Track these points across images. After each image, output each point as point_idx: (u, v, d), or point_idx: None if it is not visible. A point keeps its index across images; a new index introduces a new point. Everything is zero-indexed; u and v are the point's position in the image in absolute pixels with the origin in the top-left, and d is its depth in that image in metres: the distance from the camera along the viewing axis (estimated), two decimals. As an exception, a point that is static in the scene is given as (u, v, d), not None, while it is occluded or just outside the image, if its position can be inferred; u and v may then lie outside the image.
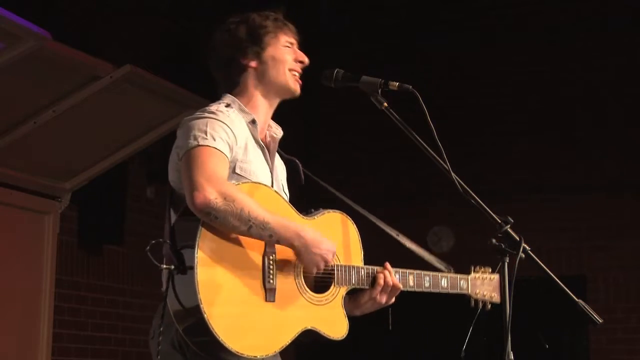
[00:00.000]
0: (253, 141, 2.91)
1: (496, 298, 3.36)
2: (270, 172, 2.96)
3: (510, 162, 7.82)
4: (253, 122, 2.92)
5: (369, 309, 3.06)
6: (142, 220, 7.05)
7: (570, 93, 7.95)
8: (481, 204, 2.97)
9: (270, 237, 2.72)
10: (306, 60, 2.99)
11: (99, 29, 6.45)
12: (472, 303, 3.34)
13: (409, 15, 8.19)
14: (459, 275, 3.29)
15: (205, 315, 2.58)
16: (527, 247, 2.88)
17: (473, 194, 2.94)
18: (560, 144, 7.88)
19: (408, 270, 3.12)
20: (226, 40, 2.96)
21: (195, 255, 2.62)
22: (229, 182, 2.71)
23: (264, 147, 2.96)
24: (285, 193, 3.03)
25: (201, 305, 2.59)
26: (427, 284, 3.17)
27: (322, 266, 2.82)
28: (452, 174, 2.89)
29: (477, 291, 3.34)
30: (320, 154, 8.01)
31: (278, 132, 3.05)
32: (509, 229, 2.92)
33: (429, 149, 2.91)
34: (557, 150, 7.88)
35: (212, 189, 2.63)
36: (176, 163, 2.81)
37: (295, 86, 2.98)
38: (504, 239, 2.90)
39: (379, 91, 2.95)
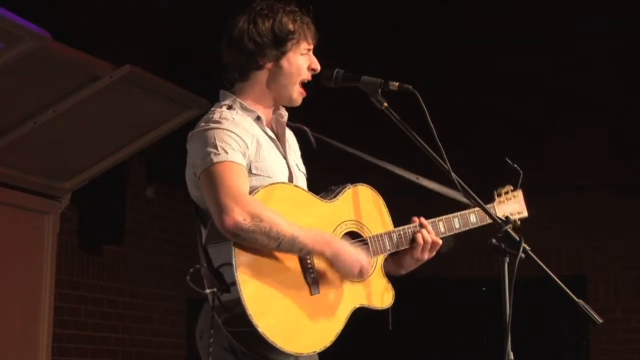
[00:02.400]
0: (263, 136, 2.90)
1: (524, 213, 3.39)
2: (285, 159, 2.95)
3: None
4: (258, 118, 2.92)
5: (412, 266, 3.09)
6: (142, 220, 7.04)
7: (570, 93, 7.95)
8: (481, 204, 2.98)
9: (301, 251, 2.76)
10: (318, 67, 2.97)
11: (99, 29, 6.45)
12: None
13: (409, 15, 8.19)
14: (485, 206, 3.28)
15: (259, 329, 2.64)
16: (527, 247, 2.88)
17: (473, 194, 2.95)
18: (560, 144, 7.88)
19: (437, 218, 3.14)
20: (249, 33, 2.89)
21: (235, 274, 2.65)
22: (254, 199, 2.71)
23: (275, 138, 2.95)
24: (302, 172, 3.03)
25: (253, 321, 2.63)
26: (457, 225, 3.19)
27: (356, 272, 2.84)
28: (452, 174, 2.90)
29: (504, 213, 3.33)
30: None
31: (283, 113, 3.02)
32: (509, 229, 2.93)
33: (429, 148, 2.91)
34: (557, 150, 7.88)
35: (240, 210, 2.64)
36: (193, 179, 2.82)
37: (299, 99, 2.98)
38: (504, 239, 2.91)
39: (379, 91, 2.94)
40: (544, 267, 2.91)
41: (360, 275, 2.86)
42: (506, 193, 3.39)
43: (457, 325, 7.70)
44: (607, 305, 7.55)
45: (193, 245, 2.86)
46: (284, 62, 2.91)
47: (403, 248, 3.04)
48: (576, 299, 2.95)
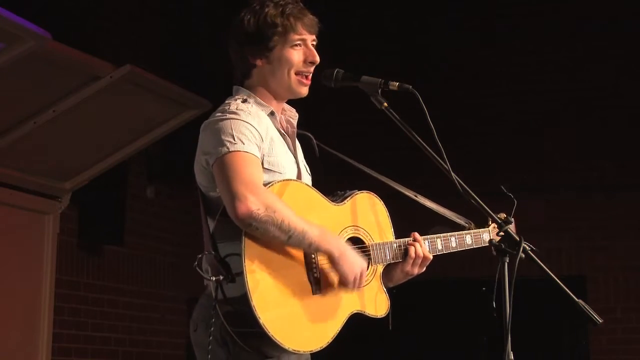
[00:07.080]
0: (276, 132, 2.90)
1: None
2: (295, 158, 2.96)
3: (509, 162, 7.82)
4: (272, 114, 2.92)
5: (401, 280, 3.10)
6: (142, 220, 7.05)
7: (570, 93, 7.95)
8: (481, 204, 2.98)
9: (310, 246, 2.76)
10: (317, 59, 2.94)
11: (99, 29, 6.46)
12: (494, 251, 3.34)
13: (409, 15, 8.19)
14: (480, 230, 3.30)
15: (261, 321, 2.63)
16: (527, 247, 2.88)
17: (473, 194, 2.95)
18: (560, 144, 7.87)
19: (435, 235, 3.16)
20: (236, 34, 2.91)
21: (244, 264, 2.64)
22: (268, 191, 2.71)
23: (286, 135, 2.96)
24: (308, 173, 3.03)
25: (256, 313, 2.63)
26: (454, 245, 3.20)
27: (355, 277, 2.82)
28: (452, 174, 2.90)
29: (498, 239, 3.34)
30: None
31: (293, 114, 3.03)
32: (509, 229, 2.93)
33: (429, 149, 2.91)
34: (557, 150, 7.88)
35: (254, 199, 2.64)
36: (204, 168, 2.80)
37: (300, 88, 2.95)
38: (504, 238, 2.91)
39: (379, 91, 2.94)
40: (544, 267, 2.91)
41: (355, 283, 2.84)
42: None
43: (457, 325, 7.69)
44: (607, 305, 7.54)
45: (192, 245, 2.85)
46: (274, 57, 2.90)
47: (399, 260, 3.05)
48: (576, 299, 2.95)
